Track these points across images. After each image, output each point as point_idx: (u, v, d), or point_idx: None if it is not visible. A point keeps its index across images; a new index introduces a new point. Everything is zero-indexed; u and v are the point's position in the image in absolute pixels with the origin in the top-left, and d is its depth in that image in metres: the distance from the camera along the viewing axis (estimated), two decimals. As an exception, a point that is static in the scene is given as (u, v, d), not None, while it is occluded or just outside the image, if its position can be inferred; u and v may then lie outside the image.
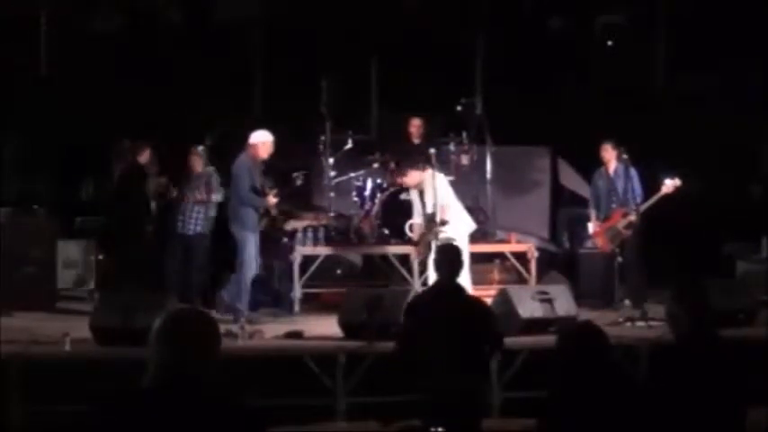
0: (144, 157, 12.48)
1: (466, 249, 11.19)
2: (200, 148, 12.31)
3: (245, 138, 11.69)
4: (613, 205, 12.16)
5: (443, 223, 11.19)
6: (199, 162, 12.25)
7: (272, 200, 11.54)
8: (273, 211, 11.63)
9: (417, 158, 12.88)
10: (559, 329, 5.31)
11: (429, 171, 11.50)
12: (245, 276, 11.36)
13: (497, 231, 13.36)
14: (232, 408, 3.72)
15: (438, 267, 7.65)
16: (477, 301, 7.83)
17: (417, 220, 11.58)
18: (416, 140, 13.39)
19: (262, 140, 11.46)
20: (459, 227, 11.30)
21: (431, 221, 11.28)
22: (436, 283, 7.78)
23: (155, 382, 3.73)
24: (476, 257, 11.96)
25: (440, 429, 8.64)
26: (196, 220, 12.26)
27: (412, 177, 11.52)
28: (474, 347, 7.33)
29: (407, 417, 9.13)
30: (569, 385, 4.70)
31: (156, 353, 3.73)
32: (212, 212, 12.29)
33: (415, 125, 13.38)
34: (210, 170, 12.28)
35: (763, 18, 13.78)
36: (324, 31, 14.63)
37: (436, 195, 11.30)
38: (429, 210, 11.38)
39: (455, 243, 8.85)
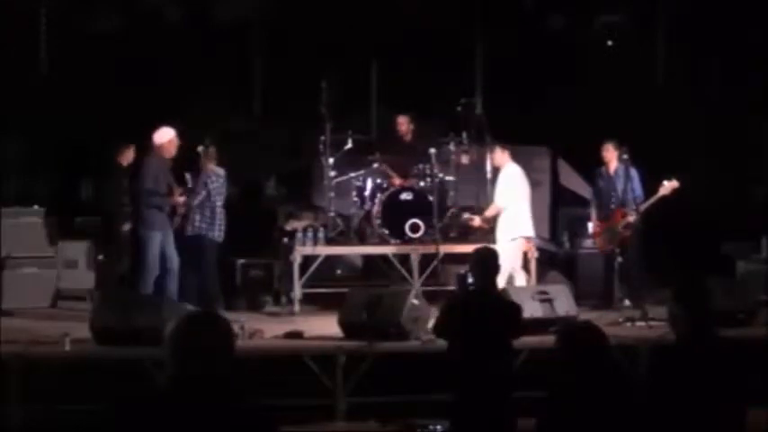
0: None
1: (512, 254, 11.50)
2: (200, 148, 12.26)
3: (246, 138, 11.67)
4: (612, 206, 12.17)
5: (487, 220, 11.74)
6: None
7: (179, 198, 11.48)
8: (181, 210, 11.57)
9: (414, 158, 12.93)
10: (559, 329, 5.29)
11: (507, 162, 11.81)
12: (145, 279, 11.21)
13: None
14: (246, 408, 3.76)
15: (470, 269, 7.75)
16: (507, 303, 7.90)
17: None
18: (407, 137, 13.36)
19: (167, 138, 11.37)
20: (506, 231, 11.60)
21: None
22: (471, 286, 7.87)
23: (171, 383, 3.75)
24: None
25: (438, 428, 8.69)
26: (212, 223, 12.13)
27: (496, 156, 11.96)
28: (504, 349, 7.41)
29: (407, 417, 9.17)
30: (569, 385, 4.70)
31: (171, 355, 3.77)
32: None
33: (401, 123, 13.35)
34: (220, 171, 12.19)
35: (763, 18, 13.78)
36: (324, 31, 14.62)
37: (495, 191, 11.76)
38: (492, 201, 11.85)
39: (492, 246, 8.92)
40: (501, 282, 11.48)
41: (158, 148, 11.39)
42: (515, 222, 11.68)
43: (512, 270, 11.53)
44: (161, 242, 11.31)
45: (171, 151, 11.41)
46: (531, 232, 11.84)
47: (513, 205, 11.69)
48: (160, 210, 11.34)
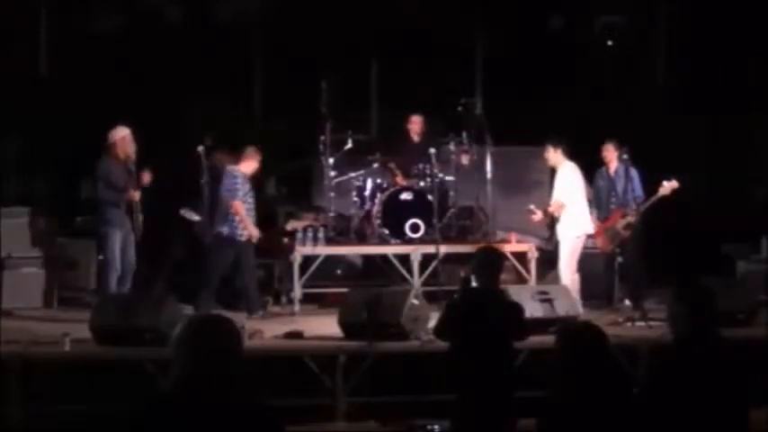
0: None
1: (573, 251, 11.61)
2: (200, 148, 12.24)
3: (246, 138, 11.62)
4: (612, 206, 12.17)
5: (552, 219, 11.74)
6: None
7: (134, 194, 11.38)
8: (137, 207, 11.49)
9: (418, 158, 12.94)
10: (559, 329, 5.29)
11: (563, 161, 11.77)
12: (109, 275, 11.26)
13: (497, 231, 13.35)
14: (254, 408, 3.78)
15: (474, 270, 7.71)
16: (508, 303, 7.87)
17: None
18: (416, 138, 13.41)
19: (120, 137, 11.38)
20: (568, 228, 11.66)
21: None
22: (475, 286, 7.80)
23: (179, 385, 3.76)
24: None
25: (436, 428, 8.69)
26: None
27: (548, 155, 11.89)
28: (505, 350, 7.41)
29: (407, 417, 9.17)
30: (569, 385, 4.70)
31: (178, 357, 3.79)
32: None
33: (415, 122, 13.42)
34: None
35: (762, 17, 13.77)
36: (324, 31, 14.63)
37: (554, 189, 11.77)
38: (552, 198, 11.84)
39: (494, 245, 8.90)
40: (564, 278, 11.53)
41: (112, 145, 11.40)
42: (576, 220, 11.72)
43: (567, 267, 11.56)
44: (122, 240, 11.33)
45: (125, 149, 11.39)
46: (590, 229, 11.87)
47: (573, 202, 11.72)
48: (117, 207, 11.34)
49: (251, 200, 11.83)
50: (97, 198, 11.39)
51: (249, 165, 11.87)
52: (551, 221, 11.98)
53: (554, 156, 11.86)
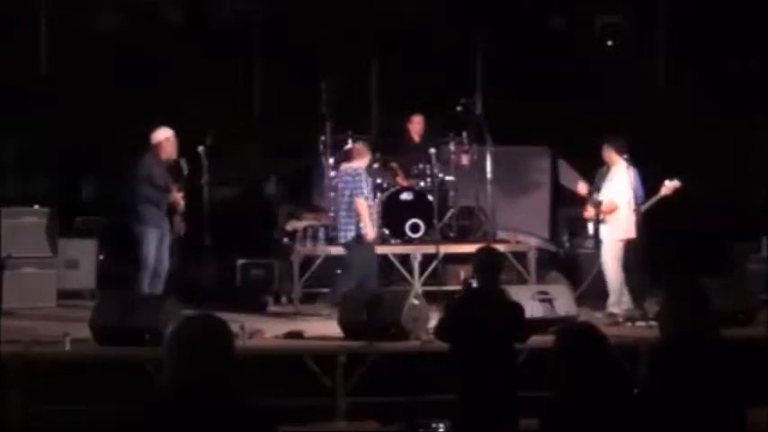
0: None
1: (617, 254, 11.35)
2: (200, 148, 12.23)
3: (246, 138, 11.62)
4: (614, 205, 12.14)
5: (598, 217, 11.41)
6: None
7: (177, 195, 11.34)
8: (180, 208, 11.47)
9: (418, 158, 12.94)
10: (559, 330, 5.29)
11: (618, 159, 11.52)
12: (141, 274, 11.18)
13: (497, 231, 13.36)
14: (245, 408, 3.78)
15: (474, 271, 7.70)
16: (508, 303, 7.86)
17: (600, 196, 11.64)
18: (417, 138, 13.41)
19: (165, 137, 11.27)
20: (615, 232, 11.39)
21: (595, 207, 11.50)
22: (475, 287, 7.78)
23: (169, 385, 3.77)
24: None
25: (440, 427, 8.68)
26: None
27: (606, 153, 11.60)
28: (506, 351, 7.41)
29: (407, 417, 9.16)
30: (569, 385, 4.70)
31: (169, 358, 3.79)
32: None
33: (417, 122, 13.42)
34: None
35: (762, 17, 13.78)
36: (324, 32, 14.63)
37: (607, 187, 11.48)
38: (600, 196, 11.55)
39: (495, 247, 8.86)
40: (613, 281, 11.35)
41: (157, 145, 11.34)
42: (621, 223, 11.45)
43: (612, 269, 11.45)
44: (157, 239, 11.31)
45: (167, 150, 11.30)
46: (633, 234, 11.57)
47: (624, 205, 11.48)
48: (157, 207, 11.32)
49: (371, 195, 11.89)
50: (136, 196, 11.29)
51: (363, 160, 11.86)
52: (596, 222, 11.64)
53: (608, 153, 11.67)
